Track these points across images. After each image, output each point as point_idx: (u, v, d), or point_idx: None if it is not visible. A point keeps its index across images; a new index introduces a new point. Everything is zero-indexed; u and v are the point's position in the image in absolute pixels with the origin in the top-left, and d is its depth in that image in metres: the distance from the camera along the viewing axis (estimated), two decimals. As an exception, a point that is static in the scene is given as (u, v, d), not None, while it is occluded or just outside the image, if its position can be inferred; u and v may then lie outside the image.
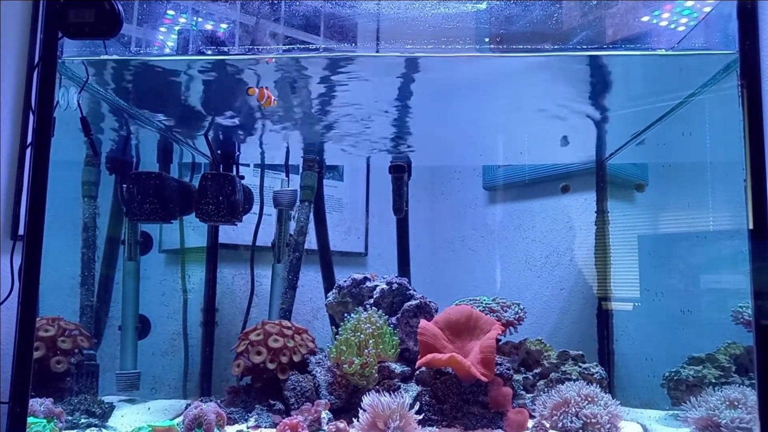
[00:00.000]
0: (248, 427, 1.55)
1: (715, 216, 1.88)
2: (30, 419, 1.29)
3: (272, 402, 1.66)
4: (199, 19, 1.56)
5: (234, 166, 2.09)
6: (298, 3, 1.55)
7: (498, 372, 1.61)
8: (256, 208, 2.16)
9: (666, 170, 2.22)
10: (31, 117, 1.20)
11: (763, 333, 1.16)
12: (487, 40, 1.49)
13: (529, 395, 1.70)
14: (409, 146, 2.15)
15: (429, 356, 1.55)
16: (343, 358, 1.64)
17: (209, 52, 1.50)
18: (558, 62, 1.50)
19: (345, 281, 1.92)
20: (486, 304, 1.86)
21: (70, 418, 1.54)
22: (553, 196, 2.45)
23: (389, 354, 1.68)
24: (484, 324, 1.65)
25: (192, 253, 2.27)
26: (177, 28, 1.56)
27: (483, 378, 1.51)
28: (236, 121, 1.88)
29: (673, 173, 2.17)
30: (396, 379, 1.65)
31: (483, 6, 1.48)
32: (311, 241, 2.24)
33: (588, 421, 1.47)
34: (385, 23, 1.51)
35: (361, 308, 1.77)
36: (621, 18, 1.51)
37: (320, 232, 2.28)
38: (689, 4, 1.50)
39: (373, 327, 1.68)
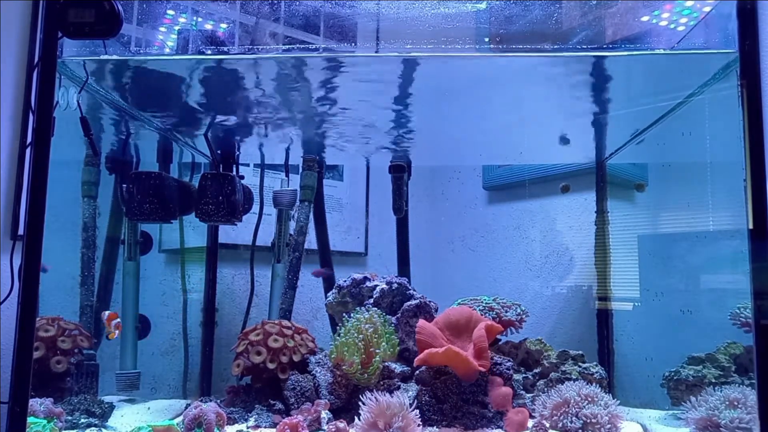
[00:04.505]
0: (248, 427, 1.55)
1: (715, 216, 1.88)
2: (30, 419, 1.29)
3: (272, 402, 1.66)
4: (199, 19, 1.56)
5: (234, 165, 2.09)
6: (297, 3, 1.55)
7: (498, 372, 1.61)
8: (256, 208, 2.16)
9: (666, 170, 2.22)
10: (31, 117, 1.20)
11: (763, 333, 1.16)
12: (487, 40, 1.49)
13: (529, 395, 1.70)
14: (409, 146, 2.15)
15: (425, 352, 1.55)
16: (344, 361, 1.64)
17: (209, 52, 1.50)
18: (558, 62, 1.50)
19: (345, 281, 1.92)
20: (486, 303, 1.86)
21: (69, 418, 1.54)
22: (553, 196, 2.45)
23: (389, 354, 1.68)
24: (484, 325, 1.66)
25: (192, 253, 2.27)
26: (177, 28, 1.56)
27: (480, 369, 1.51)
28: (235, 120, 1.88)
29: (673, 173, 2.17)
30: (396, 379, 1.65)
31: (483, 6, 1.48)
32: (311, 241, 2.24)
33: (588, 421, 1.47)
34: (385, 23, 1.51)
35: (363, 308, 1.77)
36: (621, 18, 1.51)
37: (320, 232, 2.28)
38: (689, 3, 1.50)
39: (374, 327, 1.68)
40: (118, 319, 1.71)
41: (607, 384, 1.74)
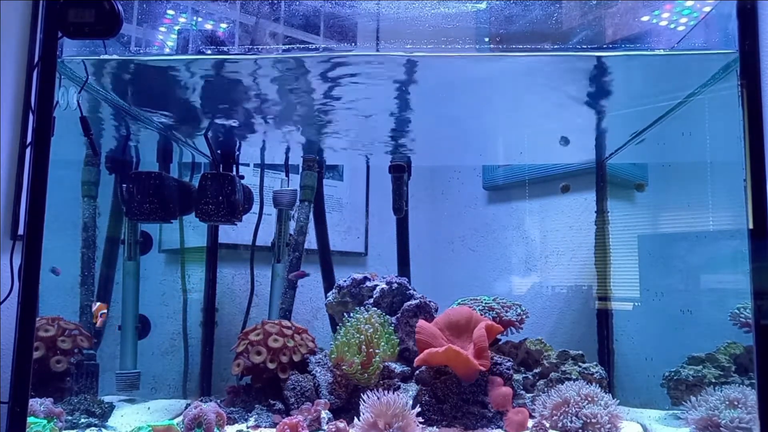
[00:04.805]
0: (248, 427, 1.55)
1: (715, 216, 1.88)
2: (30, 419, 1.29)
3: (272, 402, 1.66)
4: (199, 19, 1.56)
5: (234, 165, 2.09)
6: (298, 3, 1.55)
7: (498, 372, 1.61)
8: (256, 207, 2.16)
9: (666, 170, 2.22)
10: (31, 117, 1.20)
11: (763, 333, 1.16)
12: (487, 39, 1.49)
13: (529, 395, 1.70)
14: (408, 146, 2.15)
15: (425, 352, 1.55)
16: (344, 361, 1.64)
17: (209, 52, 1.50)
18: (558, 62, 1.50)
19: (345, 281, 1.92)
20: (486, 303, 1.86)
21: (69, 417, 1.54)
22: (553, 196, 2.45)
23: (389, 354, 1.68)
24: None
25: (192, 253, 2.27)
26: (177, 27, 1.56)
27: (481, 368, 1.52)
28: (235, 120, 1.88)
29: (673, 173, 2.17)
30: (396, 379, 1.65)
31: (483, 6, 1.48)
32: (311, 241, 2.24)
33: (588, 420, 1.47)
34: (385, 23, 1.51)
35: (363, 308, 1.77)
36: (621, 18, 1.51)
37: (320, 232, 2.28)
38: (689, 3, 1.51)
39: (373, 327, 1.68)
40: (105, 311, 1.72)
41: (607, 384, 1.74)
